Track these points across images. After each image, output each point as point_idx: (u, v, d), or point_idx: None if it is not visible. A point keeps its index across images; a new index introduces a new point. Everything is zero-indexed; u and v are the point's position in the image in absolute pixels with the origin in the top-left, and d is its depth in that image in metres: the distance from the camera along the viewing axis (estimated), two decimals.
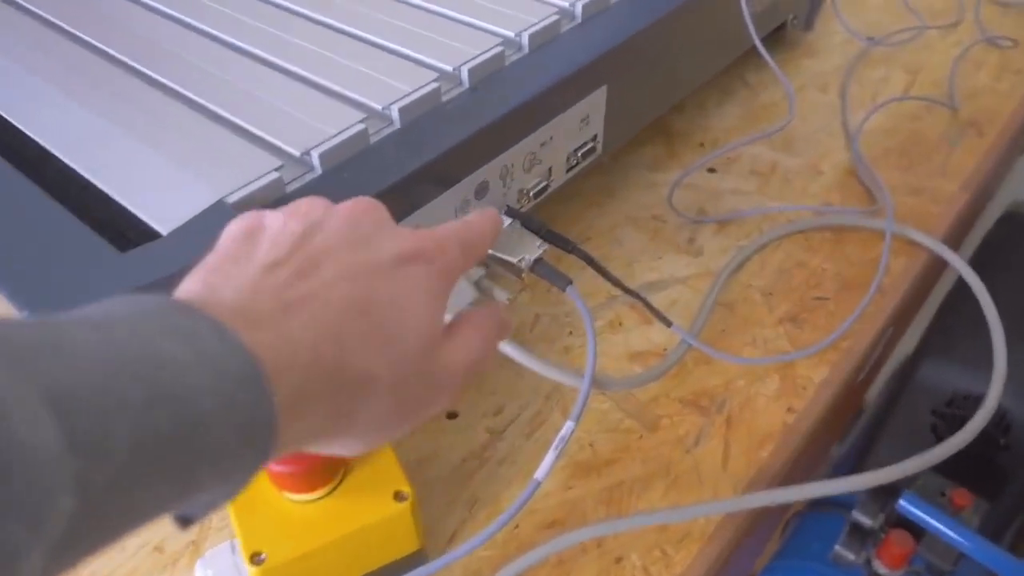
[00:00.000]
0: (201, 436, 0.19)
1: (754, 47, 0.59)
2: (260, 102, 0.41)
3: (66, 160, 0.37)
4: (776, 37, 0.74)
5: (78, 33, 0.47)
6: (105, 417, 0.17)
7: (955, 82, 0.70)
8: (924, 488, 0.88)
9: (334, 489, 0.34)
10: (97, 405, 0.17)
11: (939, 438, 1.02)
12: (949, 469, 0.94)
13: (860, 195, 0.59)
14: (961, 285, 0.96)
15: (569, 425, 0.36)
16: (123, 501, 0.18)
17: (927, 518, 0.78)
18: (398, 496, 0.34)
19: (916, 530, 0.86)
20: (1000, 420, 0.95)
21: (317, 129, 0.38)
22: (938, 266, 0.57)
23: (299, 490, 0.33)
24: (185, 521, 0.21)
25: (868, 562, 0.88)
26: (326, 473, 0.33)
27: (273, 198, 0.36)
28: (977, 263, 1.01)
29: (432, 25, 0.47)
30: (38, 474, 0.16)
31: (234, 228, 0.26)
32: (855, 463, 1.12)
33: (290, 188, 0.37)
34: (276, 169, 0.36)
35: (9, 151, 0.38)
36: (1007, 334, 0.82)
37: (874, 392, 1.14)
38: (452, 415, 0.45)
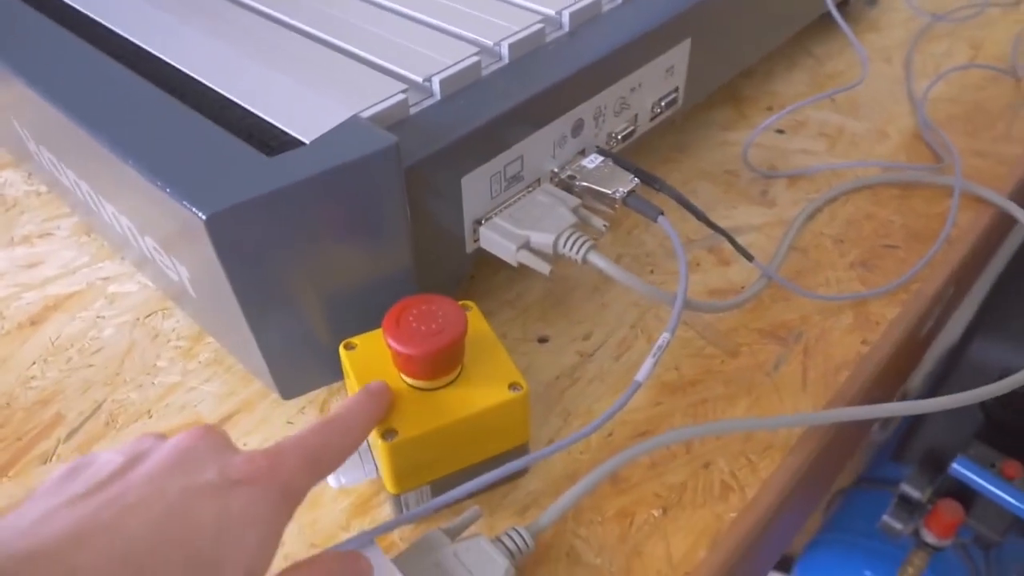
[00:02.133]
0: None
1: (820, 18, 0.61)
2: (380, 38, 0.44)
3: (215, 87, 0.41)
4: (840, 12, 0.76)
5: None
6: None
7: (1017, 56, 0.71)
8: (975, 458, 0.89)
9: (453, 381, 0.37)
10: None
11: (988, 415, 1.03)
12: (999, 441, 0.95)
13: (927, 156, 0.61)
14: (1017, 261, 0.97)
15: (666, 336, 0.39)
16: None
17: (980, 481, 0.80)
18: (513, 387, 0.37)
19: (965, 501, 0.87)
20: None
21: (435, 60, 0.42)
22: (1003, 226, 0.59)
23: (425, 376, 0.36)
24: None
25: (916, 532, 0.90)
26: (450, 363, 0.36)
27: (400, 117, 0.39)
28: None
29: None
30: None
31: (61, 468, 0.26)
32: (902, 441, 1.13)
33: (414, 110, 0.40)
34: (402, 91, 0.39)
35: (165, 82, 0.42)
36: None
37: (917, 378, 1.16)
38: (543, 339, 0.48)
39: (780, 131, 0.64)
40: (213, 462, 0.26)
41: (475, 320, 0.39)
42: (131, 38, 0.45)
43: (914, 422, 1.07)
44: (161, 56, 0.44)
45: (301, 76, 0.41)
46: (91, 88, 0.41)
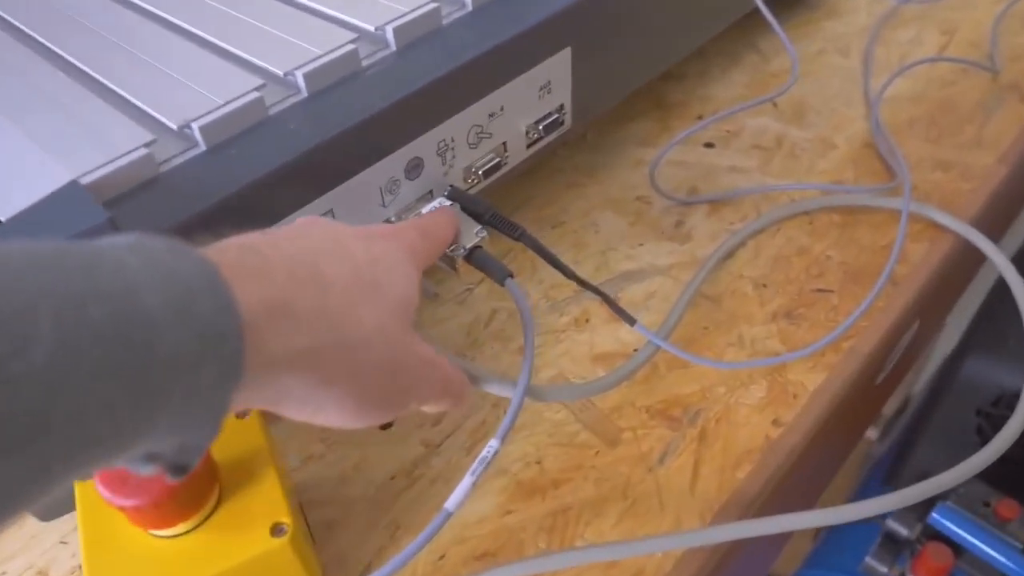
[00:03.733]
0: (150, 338, 0.17)
1: (768, 4, 0.52)
2: (146, 67, 0.36)
3: None
4: None
5: None
6: (22, 303, 0.16)
7: (997, 41, 0.61)
8: (965, 498, 0.80)
9: (204, 521, 0.29)
10: (13, 291, 0.16)
11: (984, 441, 0.93)
12: (995, 477, 0.85)
13: (878, 171, 0.52)
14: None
15: (492, 445, 0.31)
16: (61, 401, 0.16)
17: (963, 533, 0.70)
18: (276, 530, 0.28)
19: (956, 542, 0.77)
20: None
21: (206, 98, 0.33)
22: (968, 254, 0.50)
23: (157, 525, 0.28)
24: (179, 469, 0.20)
25: None
26: (188, 504, 0.28)
27: (146, 177, 0.31)
28: None
29: None
30: None
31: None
32: (894, 463, 1.03)
33: (165, 167, 0.31)
34: (146, 144, 0.31)
35: None
36: None
37: (920, 385, 1.05)
38: (386, 425, 0.40)
39: (709, 144, 0.55)
40: (342, 225, 0.28)
41: (247, 433, 0.31)
42: None
43: (907, 442, 0.98)
44: None
45: (38, 126, 0.33)
46: None
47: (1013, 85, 0.57)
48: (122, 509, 0.27)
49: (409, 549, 0.29)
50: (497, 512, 0.36)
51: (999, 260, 0.45)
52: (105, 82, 0.35)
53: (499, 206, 0.38)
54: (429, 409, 0.30)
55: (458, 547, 0.34)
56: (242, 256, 0.22)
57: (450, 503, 0.30)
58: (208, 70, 0.35)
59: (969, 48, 0.62)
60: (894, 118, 0.55)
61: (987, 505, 0.76)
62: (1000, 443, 0.41)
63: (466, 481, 0.30)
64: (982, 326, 0.89)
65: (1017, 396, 0.73)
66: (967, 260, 0.50)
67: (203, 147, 0.32)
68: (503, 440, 0.31)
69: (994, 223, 0.53)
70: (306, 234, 0.26)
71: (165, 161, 0.32)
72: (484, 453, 0.31)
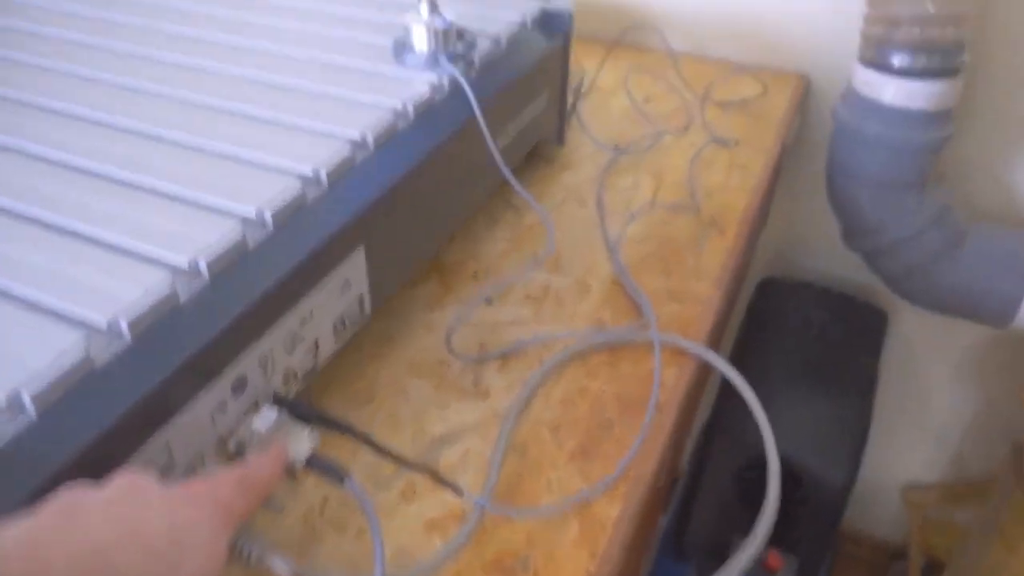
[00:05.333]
0: None
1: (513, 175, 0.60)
2: None
3: None
4: (534, 154, 0.77)
5: None
6: None
7: (694, 183, 0.76)
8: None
9: None
10: None
11: (744, 499, 1.07)
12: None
13: (628, 308, 0.62)
14: (738, 355, 1.03)
15: None
16: None
17: None
18: None
19: None
20: (790, 476, 1.03)
21: (17, 361, 0.33)
22: (707, 367, 0.61)
23: None
24: None
25: None
26: None
27: None
28: (744, 331, 1.09)
29: (157, 215, 0.43)
30: None
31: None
32: (676, 533, 1.15)
33: None
34: None
35: None
36: (783, 388, 0.89)
37: (684, 463, 1.19)
38: None
39: (489, 300, 0.62)
40: (157, 491, 0.30)
41: None
42: None
43: (683, 512, 1.10)
44: None
45: None
46: None
47: (712, 220, 0.72)
48: None
49: None
50: None
51: (727, 370, 0.56)
52: None
53: (311, 386, 0.41)
54: None
55: None
56: (24, 566, 0.24)
57: None
58: (24, 329, 0.35)
59: (675, 188, 0.76)
60: (632, 257, 0.66)
61: (758, 562, 0.88)
62: (770, 511, 0.49)
63: None
64: (725, 403, 1.05)
65: (760, 458, 0.86)
66: (704, 373, 0.61)
67: (33, 416, 0.32)
68: None
69: (715, 337, 0.65)
70: (107, 517, 0.27)
71: None
72: None
